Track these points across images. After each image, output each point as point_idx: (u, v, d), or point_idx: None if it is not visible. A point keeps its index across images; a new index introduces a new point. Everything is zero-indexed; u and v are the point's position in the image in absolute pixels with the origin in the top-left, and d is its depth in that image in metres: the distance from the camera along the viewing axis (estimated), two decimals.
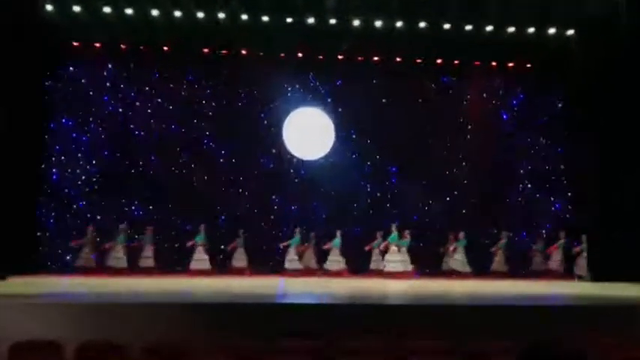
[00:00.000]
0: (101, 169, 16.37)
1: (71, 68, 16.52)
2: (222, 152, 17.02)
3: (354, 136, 17.42)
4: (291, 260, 15.68)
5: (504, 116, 17.77)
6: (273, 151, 17.14)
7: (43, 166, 16.04)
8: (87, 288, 10.58)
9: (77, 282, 11.70)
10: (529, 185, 17.39)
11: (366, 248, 15.72)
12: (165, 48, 16.32)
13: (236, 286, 11.96)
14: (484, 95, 17.77)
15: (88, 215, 16.06)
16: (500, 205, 17.25)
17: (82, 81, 16.52)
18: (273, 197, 17.06)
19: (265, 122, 17.15)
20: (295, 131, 17.16)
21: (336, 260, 15.68)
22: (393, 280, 14.47)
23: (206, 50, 16.48)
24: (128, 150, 16.54)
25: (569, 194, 17.19)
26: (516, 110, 17.71)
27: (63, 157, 16.29)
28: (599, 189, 14.88)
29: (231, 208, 16.74)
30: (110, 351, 4.67)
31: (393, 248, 15.42)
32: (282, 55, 16.61)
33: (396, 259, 15.33)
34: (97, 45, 16.24)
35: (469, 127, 17.60)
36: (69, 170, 16.24)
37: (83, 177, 16.30)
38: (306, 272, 15.55)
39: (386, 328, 6.23)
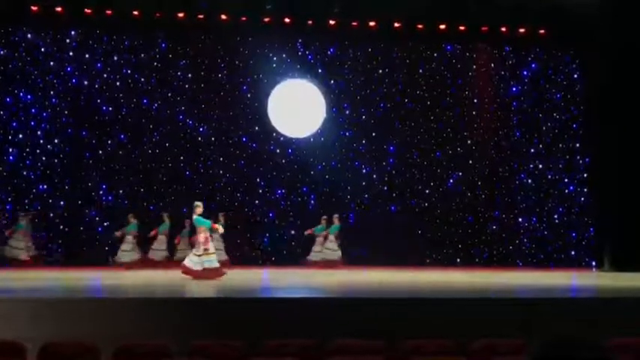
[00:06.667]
0: (64, 149, 16.30)
1: (29, 35, 16.35)
2: (200, 130, 16.98)
3: (347, 112, 17.42)
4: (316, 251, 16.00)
5: (514, 89, 17.80)
6: (257, 128, 17.12)
7: None
8: (51, 282, 10.57)
9: (40, 275, 11.67)
10: (540, 166, 17.49)
11: None
12: (136, 13, 16.13)
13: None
14: (492, 65, 17.78)
15: (50, 201, 16.04)
16: (509, 187, 17.39)
17: (42, 49, 16.37)
18: (258, 180, 17.08)
19: (248, 96, 17.12)
20: (282, 106, 17.12)
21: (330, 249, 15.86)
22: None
23: (181, 15, 16.31)
24: (94, 128, 16.46)
25: (585, 175, 17.30)
26: (527, 82, 17.75)
27: (21, 136, 16.18)
28: (618, 170, 14.97)
29: (210, 193, 16.73)
30: (78, 352, 4.69)
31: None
32: (267, 19, 16.48)
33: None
34: (59, 9, 16.01)
35: (475, 101, 17.63)
36: (28, 150, 16.15)
37: (44, 158, 16.22)
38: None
39: (383, 324, 6.30)
